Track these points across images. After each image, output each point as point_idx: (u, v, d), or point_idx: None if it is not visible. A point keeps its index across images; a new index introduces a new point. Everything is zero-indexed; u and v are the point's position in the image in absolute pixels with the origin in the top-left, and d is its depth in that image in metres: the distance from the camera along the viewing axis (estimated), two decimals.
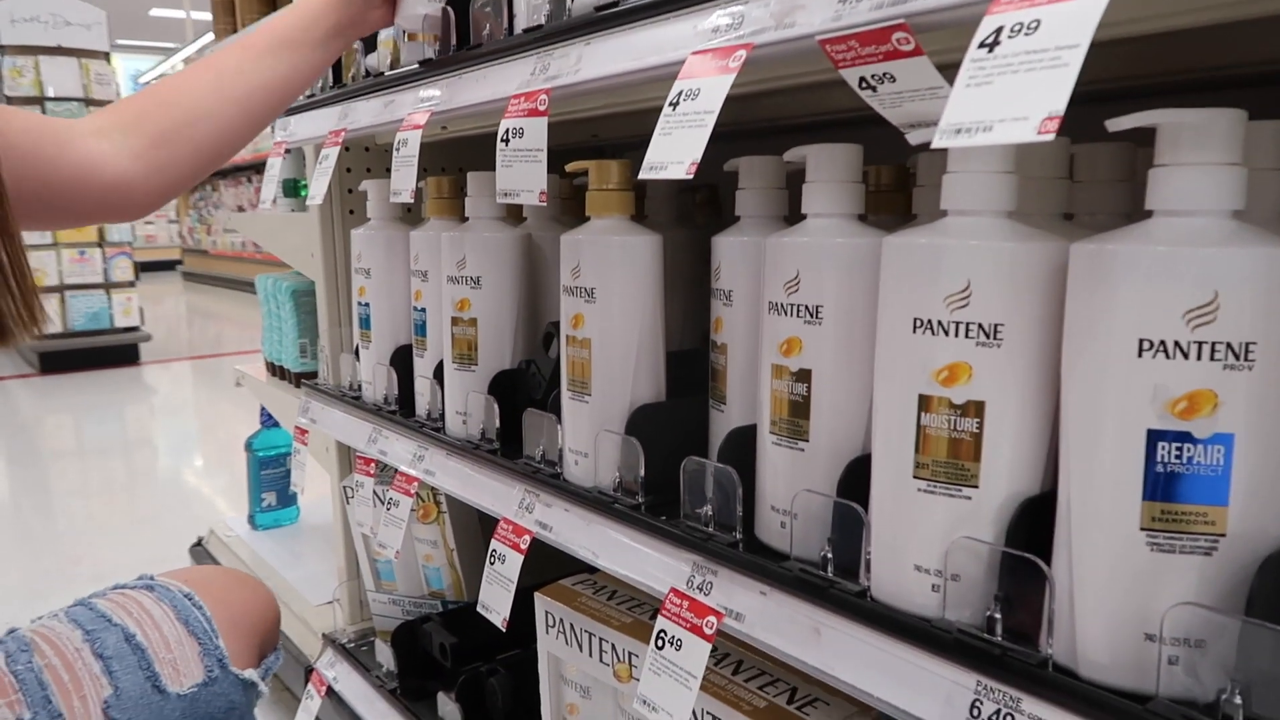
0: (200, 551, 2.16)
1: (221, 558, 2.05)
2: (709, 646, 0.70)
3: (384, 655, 1.36)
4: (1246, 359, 0.47)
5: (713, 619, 0.71)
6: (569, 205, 1.22)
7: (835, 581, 0.64)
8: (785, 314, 0.69)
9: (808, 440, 0.69)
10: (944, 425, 0.57)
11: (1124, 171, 0.67)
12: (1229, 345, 0.47)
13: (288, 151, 1.46)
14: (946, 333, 0.56)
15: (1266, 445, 0.48)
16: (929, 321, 0.57)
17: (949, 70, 0.50)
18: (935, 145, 0.46)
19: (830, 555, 0.65)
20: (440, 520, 1.34)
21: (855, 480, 0.65)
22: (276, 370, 1.83)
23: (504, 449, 1.00)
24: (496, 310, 1.04)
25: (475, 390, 1.04)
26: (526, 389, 1.02)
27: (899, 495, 0.59)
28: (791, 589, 0.66)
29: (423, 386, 1.15)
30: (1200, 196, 0.48)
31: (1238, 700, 0.46)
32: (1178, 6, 0.58)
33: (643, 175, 0.65)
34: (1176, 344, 0.47)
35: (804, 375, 0.68)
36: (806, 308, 0.67)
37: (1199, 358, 0.47)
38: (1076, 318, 0.52)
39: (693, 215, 1.23)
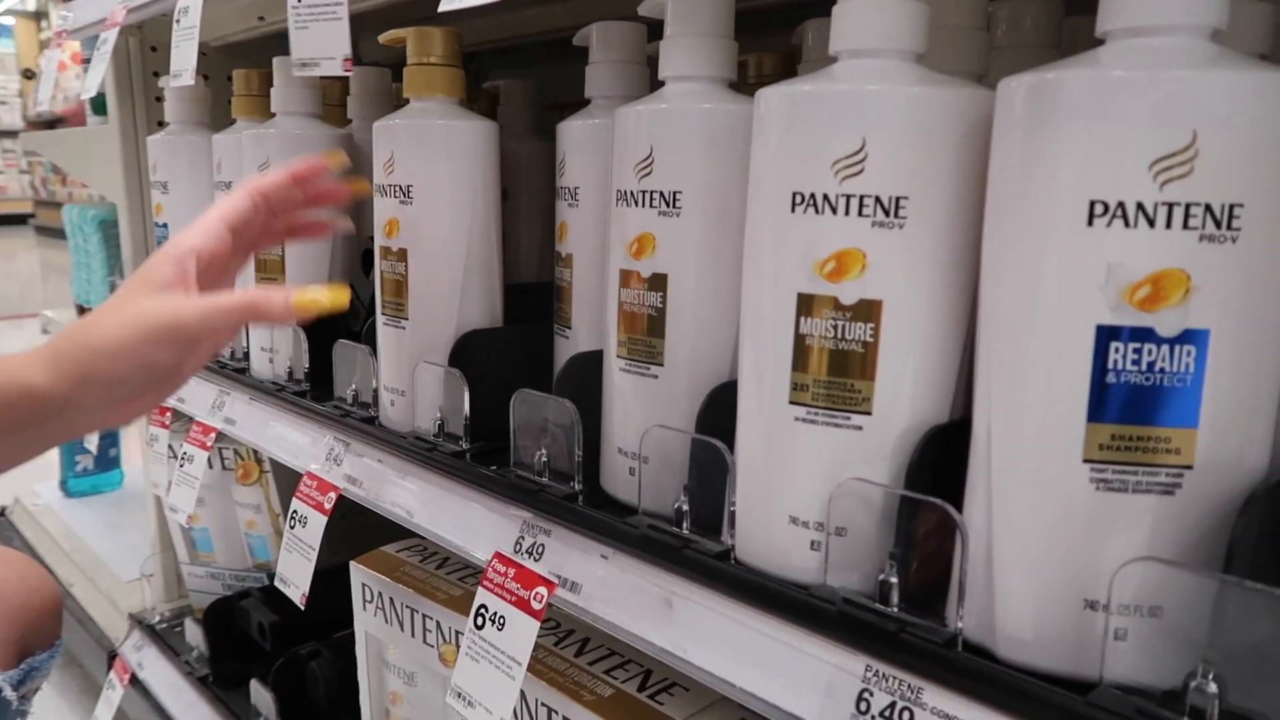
0: (3, 523, 1.90)
1: (27, 530, 1.80)
2: (537, 625, 0.56)
3: (195, 637, 1.17)
4: (1230, 226, 0.35)
5: (543, 590, 0.56)
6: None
7: (691, 540, 0.50)
8: (636, 204, 0.54)
9: (662, 364, 0.54)
10: (829, 333, 0.43)
11: (1051, 34, 0.54)
12: (1208, 208, 0.34)
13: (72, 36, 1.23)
14: (834, 210, 0.42)
15: (1245, 345, 0.36)
16: (812, 196, 0.43)
17: None
18: None
19: (686, 508, 0.51)
20: (263, 481, 1.16)
21: (719, 412, 0.51)
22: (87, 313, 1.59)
23: (315, 391, 0.83)
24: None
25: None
26: (344, 319, 0.85)
27: (771, 427, 0.46)
28: (638, 551, 0.52)
29: None
30: (1174, 8, 0.35)
31: (1211, 687, 0.34)
32: None
33: (446, 5, 0.49)
34: (1140, 207, 0.35)
35: (658, 281, 0.54)
36: (661, 195, 0.53)
37: (1169, 224, 0.35)
38: (1003, 179, 0.39)
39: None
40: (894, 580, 0.42)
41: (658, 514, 0.53)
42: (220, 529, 1.23)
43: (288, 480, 1.15)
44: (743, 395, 0.48)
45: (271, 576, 1.22)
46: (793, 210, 0.43)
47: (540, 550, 0.58)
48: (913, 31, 0.42)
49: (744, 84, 0.55)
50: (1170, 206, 0.34)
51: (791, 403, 0.45)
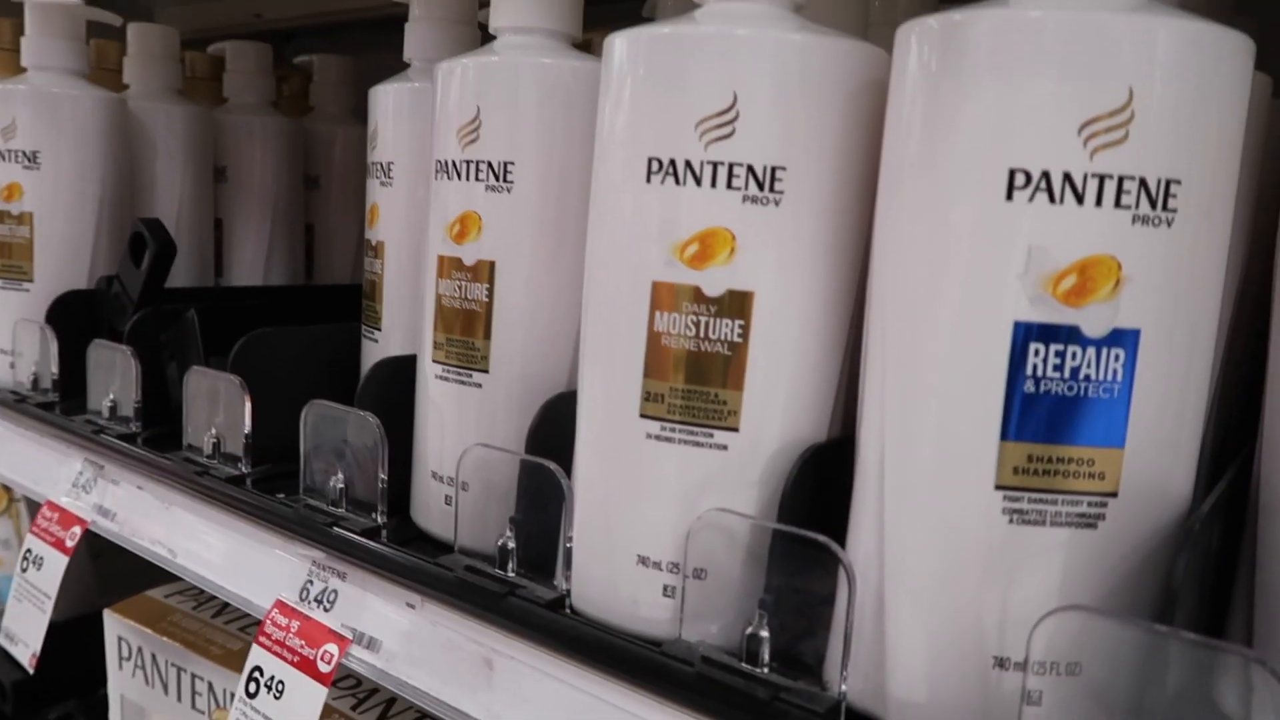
0: None
1: None
2: (324, 691, 0.45)
3: None
4: (1165, 206, 0.29)
5: (333, 648, 0.45)
6: (204, 87, 0.91)
7: (517, 585, 0.41)
8: (459, 177, 0.45)
9: (487, 371, 0.45)
10: (690, 331, 0.35)
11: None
12: (1143, 183, 0.29)
13: None
14: (698, 180, 0.35)
15: (1177, 349, 0.30)
16: (671, 163, 0.35)
17: None
18: None
19: (513, 545, 0.42)
20: (12, 511, 0.98)
21: (555, 430, 0.42)
22: None
23: (65, 402, 0.68)
24: (64, 202, 0.71)
25: (27, 318, 0.71)
26: (108, 317, 0.71)
27: (617, 447, 0.37)
28: (452, 598, 0.42)
29: None
30: None
31: None
32: None
33: None
34: (1068, 178, 0.29)
35: (484, 270, 0.45)
36: (490, 166, 0.44)
37: (1099, 201, 0.29)
38: (900, 146, 0.32)
39: None
40: (764, 634, 0.34)
41: (478, 552, 0.43)
42: None
43: None
44: (583, 407, 0.39)
45: None
46: (647, 180, 0.35)
47: (332, 598, 0.47)
48: None
49: (582, 39, 0.47)
50: (1102, 179, 0.29)
51: (642, 416, 0.36)
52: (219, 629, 0.65)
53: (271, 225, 0.84)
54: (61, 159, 0.70)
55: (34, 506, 0.95)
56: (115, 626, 0.67)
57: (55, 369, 0.68)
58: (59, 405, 0.68)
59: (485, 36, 0.52)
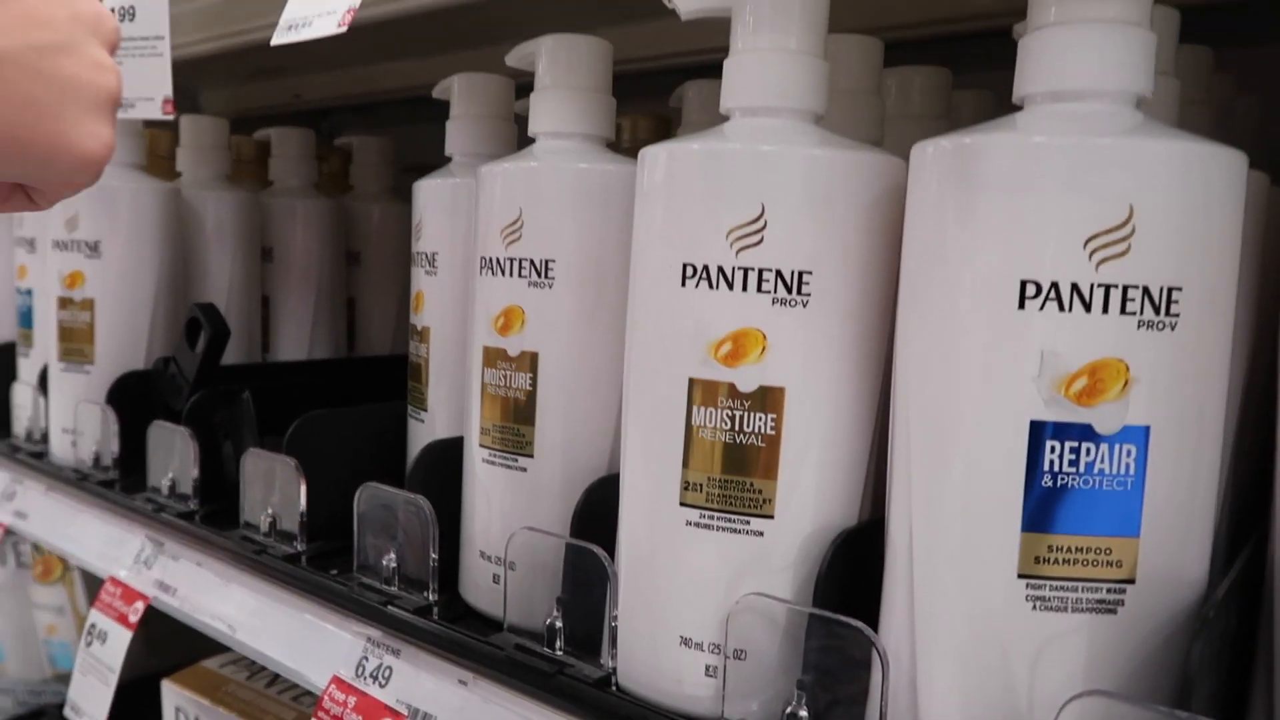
0: None
1: None
2: None
3: None
4: (1169, 312, 0.31)
5: None
6: (250, 169, 0.95)
7: (565, 664, 0.43)
8: (503, 273, 0.48)
9: (532, 455, 0.48)
10: (725, 424, 0.38)
11: (941, 105, 0.52)
12: (1146, 291, 0.31)
13: None
14: (730, 284, 0.37)
15: (1186, 444, 0.32)
16: (705, 269, 0.37)
17: None
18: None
19: (560, 624, 0.44)
20: (67, 579, 1.01)
21: (598, 513, 0.44)
22: None
23: (126, 480, 0.72)
24: (123, 289, 0.75)
25: (89, 399, 0.74)
26: (164, 397, 0.74)
27: (659, 533, 0.40)
28: (503, 675, 0.44)
29: (24, 396, 0.84)
30: (1099, 70, 0.32)
31: None
32: None
33: (279, 39, 0.42)
34: (1075, 288, 0.31)
35: (528, 361, 0.47)
36: (532, 264, 0.47)
37: (1105, 309, 0.31)
38: (920, 255, 0.34)
39: None
40: (803, 714, 0.36)
41: (526, 630, 0.46)
42: (14, 635, 1.06)
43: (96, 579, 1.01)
44: (626, 495, 0.41)
45: None
46: (683, 284, 0.38)
47: (387, 674, 0.49)
48: (814, 89, 0.38)
49: (618, 149, 0.50)
50: (1107, 289, 0.31)
51: (682, 504, 0.39)
52: (272, 699, 0.67)
53: (315, 301, 0.88)
54: (121, 248, 0.74)
55: (88, 575, 0.99)
56: (173, 696, 0.70)
57: (116, 447, 0.72)
58: (119, 483, 0.71)
59: (521, 129, 0.56)
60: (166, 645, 0.81)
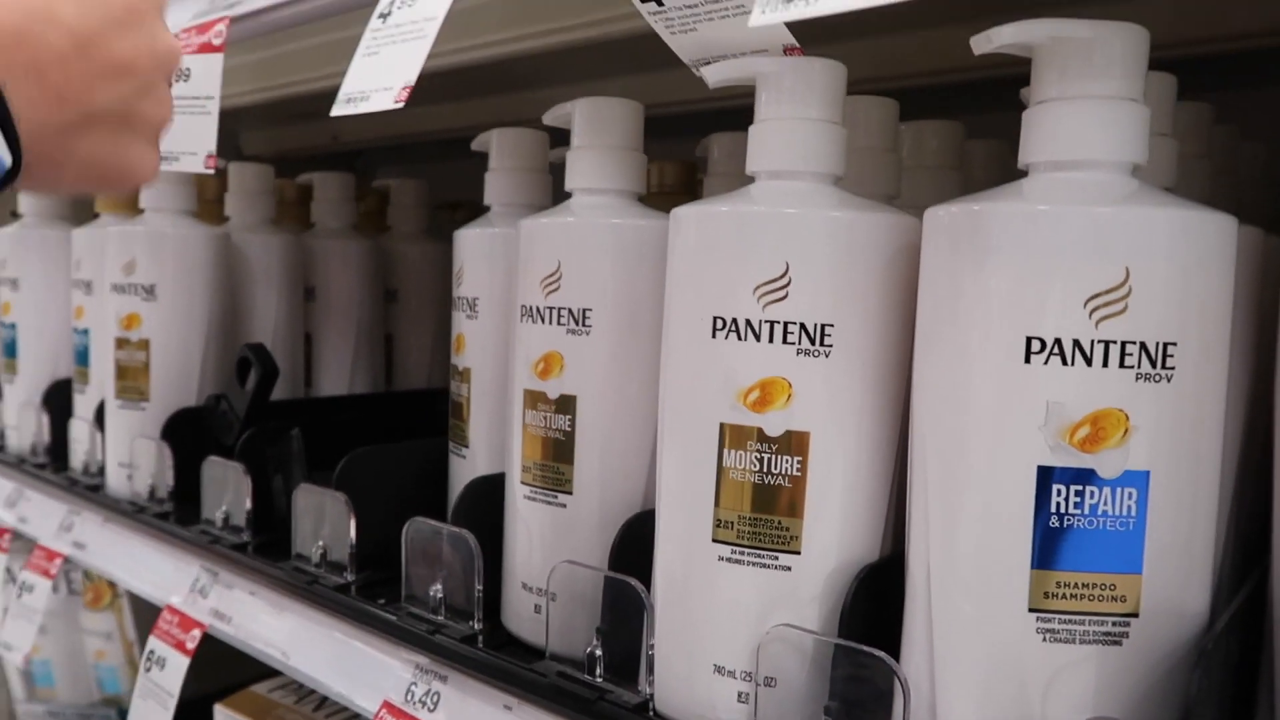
0: None
1: None
2: None
3: None
4: (1164, 365, 0.34)
5: None
6: (292, 210, 0.99)
7: (605, 690, 0.45)
8: (542, 321, 0.51)
9: (571, 493, 0.51)
10: (754, 466, 0.40)
11: (953, 156, 0.55)
12: (1143, 346, 0.34)
13: None
14: (757, 336, 0.40)
15: (1184, 486, 0.35)
16: (734, 321, 0.40)
17: None
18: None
19: (599, 652, 0.46)
20: (116, 606, 1.05)
21: (634, 547, 0.47)
22: None
23: (180, 512, 0.75)
24: (176, 329, 0.79)
25: (145, 435, 0.78)
26: (215, 433, 0.78)
27: (692, 567, 0.42)
28: (546, 701, 0.47)
29: (81, 431, 0.88)
30: (1098, 141, 0.35)
31: None
32: None
33: (338, 110, 0.45)
34: (1077, 344, 0.34)
35: (567, 403, 0.50)
36: (570, 312, 0.50)
37: (1105, 363, 0.34)
38: (934, 312, 0.37)
39: (451, 237, 1.04)
40: None
41: (566, 657, 0.48)
42: (64, 660, 1.10)
43: (149, 607, 1.04)
44: (661, 531, 0.44)
45: (122, 713, 1.09)
46: (713, 336, 0.41)
47: (435, 699, 0.52)
48: (833, 154, 0.41)
49: (646, 192, 0.54)
50: (1107, 345, 0.33)
51: (714, 541, 0.42)
52: None
53: (356, 337, 0.91)
54: (175, 291, 0.78)
55: (136, 601, 1.02)
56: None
57: (170, 481, 0.75)
58: (173, 515, 0.75)
59: (556, 181, 0.59)
60: (209, 670, 0.84)
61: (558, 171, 0.56)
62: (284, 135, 1.25)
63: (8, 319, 0.96)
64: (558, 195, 0.56)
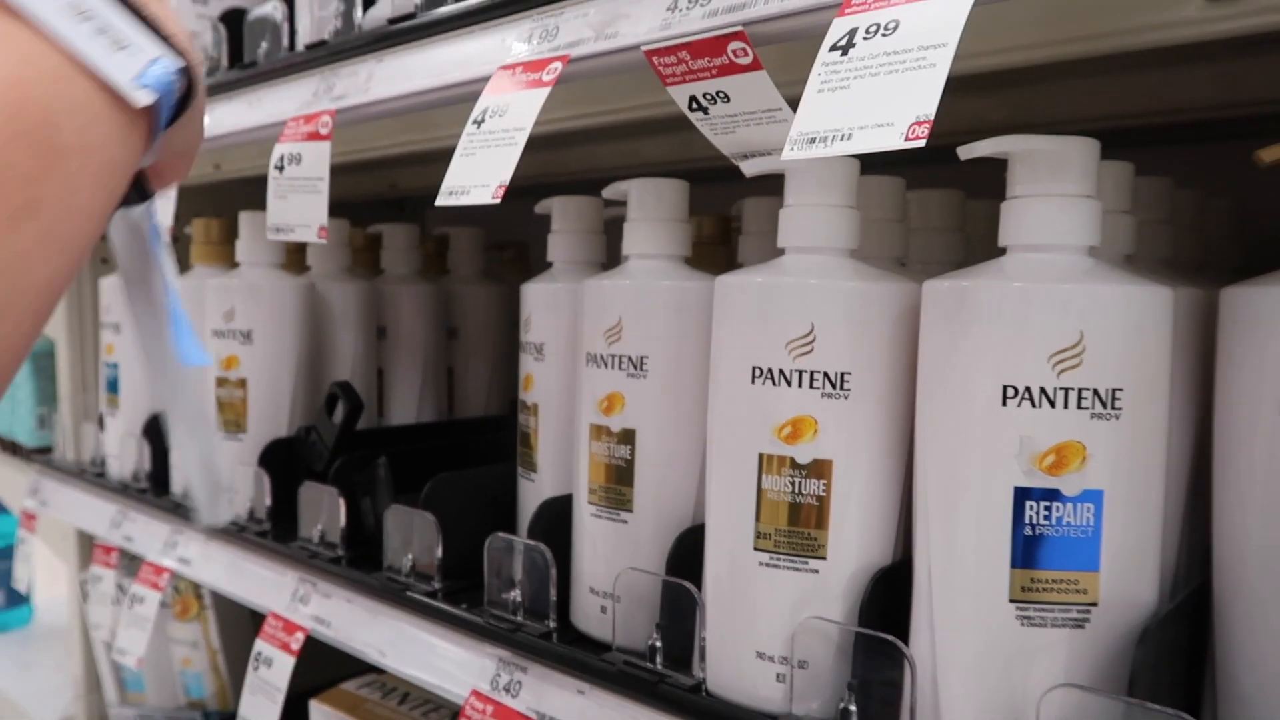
0: None
1: None
2: None
3: None
4: (1113, 406, 0.43)
5: None
6: (362, 256, 1.10)
7: (665, 675, 0.55)
8: (606, 366, 0.60)
9: (631, 510, 0.60)
10: (787, 488, 0.50)
11: (955, 220, 0.64)
12: (1095, 392, 0.43)
13: None
14: (789, 383, 0.49)
15: (1132, 502, 0.44)
16: (769, 370, 0.50)
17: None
18: (786, 158, 0.39)
19: (659, 644, 0.56)
20: (202, 617, 1.15)
21: (687, 555, 0.56)
22: (8, 446, 1.56)
23: (276, 530, 0.85)
24: (270, 369, 0.90)
25: (244, 463, 0.89)
26: (306, 460, 0.88)
27: (737, 571, 0.52)
28: (614, 686, 0.56)
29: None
30: (1059, 230, 0.44)
31: None
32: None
33: (441, 201, 0.55)
34: (1043, 391, 0.43)
35: (627, 436, 0.60)
36: (630, 359, 0.59)
37: (1066, 405, 0.43)
38: (931, 364, 0.46)
39: (501, 274, 1.14)
40: (853, 708, 0.48)
41: (629, 649, 0.58)
42: (152, 667, 1.20)
43: (233, 617, 1.15)
44: (710, 542, 0.54)
45: (206, 716, 1.19)
46: (752, 382, 0.50)
47: (518, 687, 0.61)
48: (849, 233, 0.51)
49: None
50: (1066, 391, 0.42)
51: (755, 549, 0.51)
52: (405, 714, 0.80)
53: (422, 372, 1.01)
54: (268, 335, 0.89)
55: (221, 615, 1.13)
56: (320, 714, 0.83)
57: (269, 503, 0.85)
58: (270, 533, 0.85)
59: (611, 238, 0.69)
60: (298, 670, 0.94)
61: (611, 229, 0.65)
62: (346, 183, 1.35)
63: (111, 359, 1.07)
64: (609, 251, 0.65)
